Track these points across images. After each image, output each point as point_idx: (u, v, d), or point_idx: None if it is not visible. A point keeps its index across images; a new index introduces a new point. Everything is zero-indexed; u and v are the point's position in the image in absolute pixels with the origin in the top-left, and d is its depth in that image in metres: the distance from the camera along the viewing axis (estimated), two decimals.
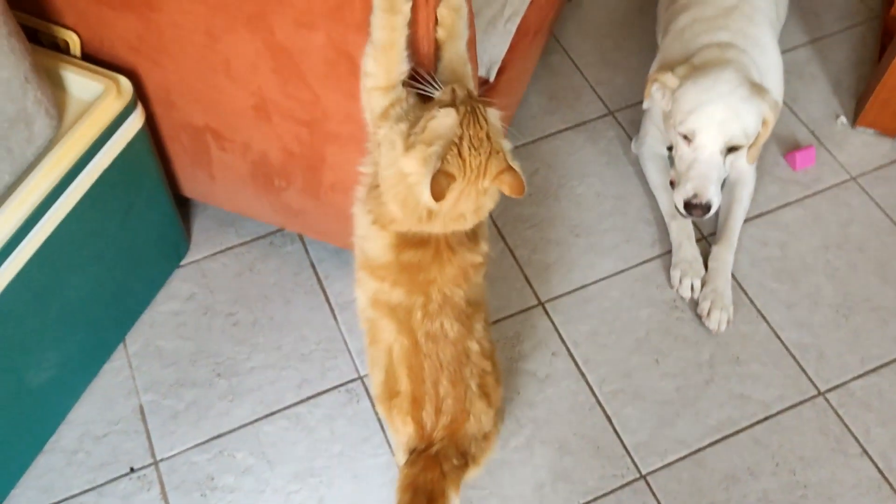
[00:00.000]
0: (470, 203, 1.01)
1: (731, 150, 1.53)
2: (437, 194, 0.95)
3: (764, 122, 1.52)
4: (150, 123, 1.53)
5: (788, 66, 2.03)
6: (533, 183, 1.87)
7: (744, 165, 1.75)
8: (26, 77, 1.22)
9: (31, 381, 1.42)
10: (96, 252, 1.47)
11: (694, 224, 1.80)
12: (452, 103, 0.98)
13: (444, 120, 0.97)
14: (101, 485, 1.48)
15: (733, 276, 1.72)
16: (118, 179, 1.43)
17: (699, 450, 1.52)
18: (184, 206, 1.79)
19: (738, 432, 1.54)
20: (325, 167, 1.44)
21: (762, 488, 1.48)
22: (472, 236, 1.12)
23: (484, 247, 1.15)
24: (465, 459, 1.19)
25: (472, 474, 1.23)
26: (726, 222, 1.74)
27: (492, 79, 1.49)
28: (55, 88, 1.38)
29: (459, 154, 0.97)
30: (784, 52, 2.05)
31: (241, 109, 1.40)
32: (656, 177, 1.78)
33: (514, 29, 1.49)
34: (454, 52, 1.09)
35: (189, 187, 1.70)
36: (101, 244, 1.47)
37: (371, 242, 1.13)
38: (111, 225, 1.48)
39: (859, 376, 1.60)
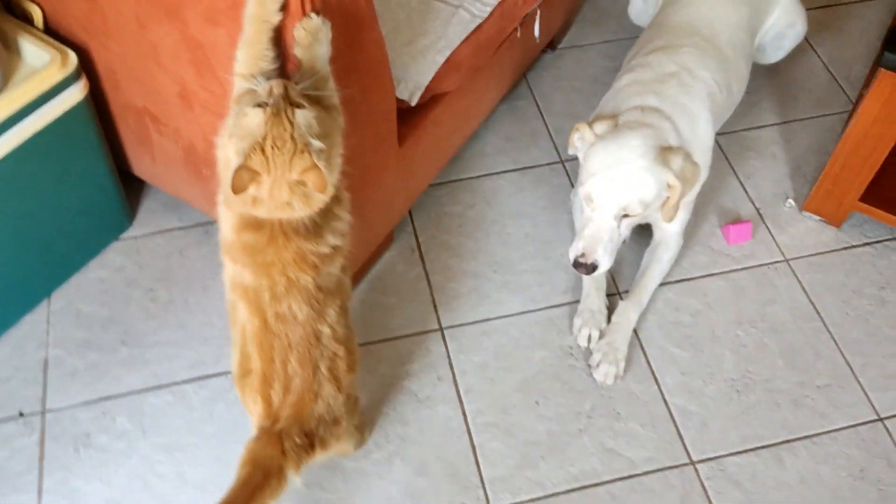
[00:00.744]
0: (284, 194, 1.08)
1: (628, 216, 1.54)
2: (236, 188, 1.04)
3: (670, 187, 1.53)
4: (100, 101, 1.67)
5: (751, 143, 2.05)
6: (467, 216, 1.92)
7: (671, 228, 1.77)
8: None
9: None
10: (24, 208, 1.59)
11: (612, 278, 1.81)
12: (266, 102, 1.06)
13: (251, 119, 1.05)
14: None
15: (636, 334, 1.72)
16: (53, 144, 1.56)
17: (554, 494, 1.52)
18: (136, 184, 1.91)
19: (597, 485, 1.53)
20: None
21: None
22: (315, 228, 1.18)
23: (332, 240, 1.21)
24: (311, 440, 1.23)
25: (320, 457, 1.27)
26: (640, 281, 1.75)
27: (413, 103, 1.56)
28: (10, 53, 1.53)
29: (263, 152, 1.04)
30: (751, 128, 2.08)
31: (170, 96, 1.51)
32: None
33: (441, 60, 1.56)
34: (311, 66, 1.17)
35: (137, 167, 1.82)
36: (29, 201, 1.59)
37: (222, 223, 1.21)
38: (42, 185, 1.60)
39: (736, 453, 1.57)
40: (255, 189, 1.07)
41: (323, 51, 1.16)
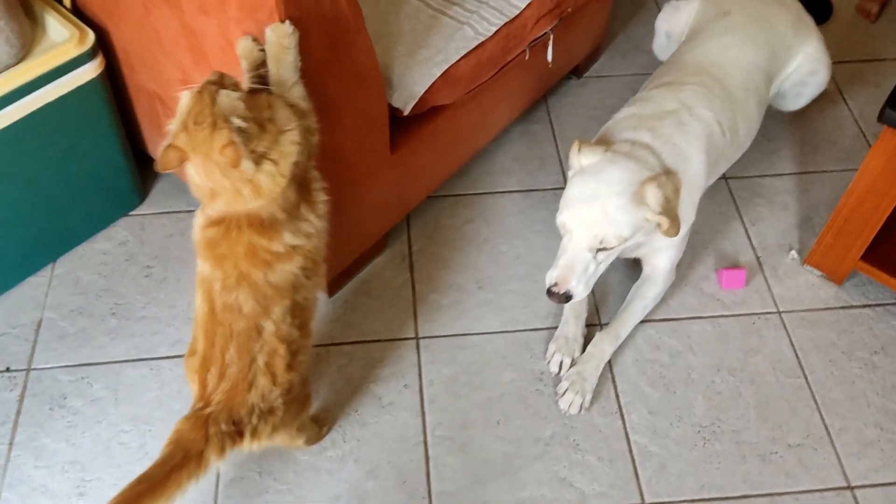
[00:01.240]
0: (218, 176, 1.12)
1: (603, 249, 1.52)
2: (162, 165, 1.09)
3: (654, 223, 1.52)
4: (118, 82, 1.75)
5: (764, 190, 2.01)
6: (463, 230, 1.93)
7: (659, 265, 1.75)
8: None
9: None
10: (36, 173, 1.68)
11: (595, 308, 1.80)
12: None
13: (182, 101, 1.10)
14: None
15: (610, 368, 1.70)
16: (65, 116, 1.64)
17: None
18: (152, 165, 1.99)
19: None
20: None
21: None
22: (273, 224, 1.21)
23: (290, 239, 1.24)
24: (239, 429, 1.26)
25: (254, 447, 1.30)
26: (621, 314, 1.73)
27: (405, 112, 1.59)
28: (35, 27, 1.62)
29: (186, 129, 1.08)
30: (766, 175, 2.04)
31: (173, 81, 1.58)
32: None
33: (437, 73, 1.58)
34: (277, 71, 1.21)
35: (152, 148, 1.90)
36: (41, 168, 1.68)
37: (194, 224, 1.26)
38: (54, 153, 1.68)
39: (691, 500, 1.54)
40: (195, 174, 1.12)
41: (291, 58, 1.21)
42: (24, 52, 1.57)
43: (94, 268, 1.85)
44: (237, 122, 1.08)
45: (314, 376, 1.68)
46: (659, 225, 1.53)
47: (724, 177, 2.04)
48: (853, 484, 1.56)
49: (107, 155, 1.80)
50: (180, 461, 1.21)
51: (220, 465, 1.28)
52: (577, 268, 1.51)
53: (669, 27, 2.06)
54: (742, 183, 2.04)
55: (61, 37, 1.61)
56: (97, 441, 1.59)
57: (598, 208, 1.47)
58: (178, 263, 1.86)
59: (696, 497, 1.54)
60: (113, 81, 1.73)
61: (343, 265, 1.77)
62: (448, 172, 1.92)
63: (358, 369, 1.70)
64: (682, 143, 1.63)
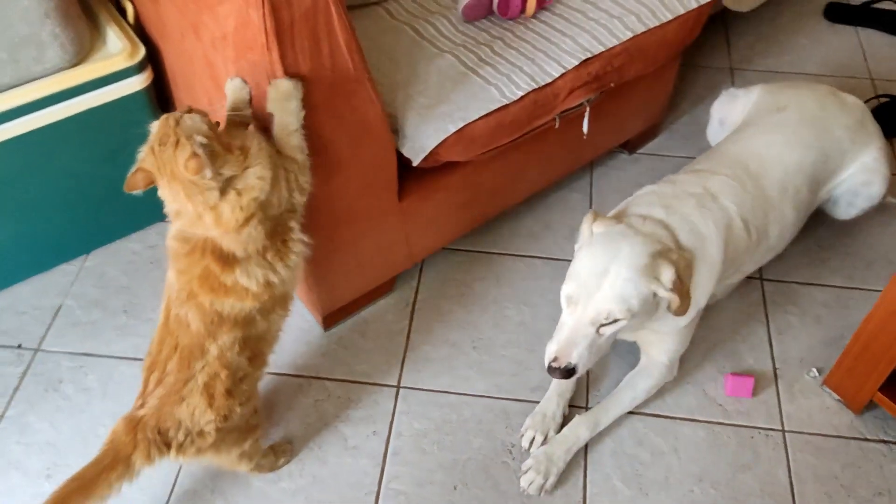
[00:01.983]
0: (182, 200, 1.17)
1: (608, 324, 1.48)
2: (128, 186, 1.15)
3: (666, 299, 1.47)
4: (164, 95, 1.86)
5: (799, 299, 1.92)
6: (472, 287, 1.92)
7: (657, 357, 1.67)
8: (46, 13, 1.58)
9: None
10: (79, 169, 1.81)
11: (586, 390, 1.74)
12: None
13: (152, 130, 1.15)
14: None
15: (585, 454, 1.63)
16: (110, 121, 1.76)
17: None
18: None
19: None
20: None
21: None
22: (226, 259, 1.25)
23: (242, 280, 1.26)
24: (166, 440, 1.29)
25: (181, 460, 1.33)
26: (606, 402, 1.66)
27: (415, 163, 1.60)
28: (97, 37, 1.76)
29: (152, 152, 1.13)
30: (806, 283, 1.93)
31: (203, 104, 1.66)
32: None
33: (452, 129, 1.59)
34: (282, 120, 1.27)
35: None
36: (84, 165, 1.80)
37: (169, 228, 1.32)
38: (96, 153, 1.80)
39: None
40: (163, 194, 1.17)
41: (293, 106, 1.25)
42: (80, 58, 1.69)
43: (120, 265, 1.96)
44: (199, 139, 1.13)
45: (290, 405, 1.70)
46: (669, 303, 1.47)
47: (760, 276, 1.94)
48: None
49: None
50: (110, 462, 1.25)
51: (178, 468, 1.31)
52: (579, 342, 1.45)
53: (723, 115, 1.99)
54: (778, 287, 1.92)
55: (116, 48, 1.73)
56: (77, 429, 1.67)
57: (608, 282, 1.42)
58: None
59: None
60: (160, 95, 1.84)
61: (342, 301, 1.79)
62: (464, 228, 1.91)
63: (332, 406, 1.71)
64: (699, 223, 1.56)
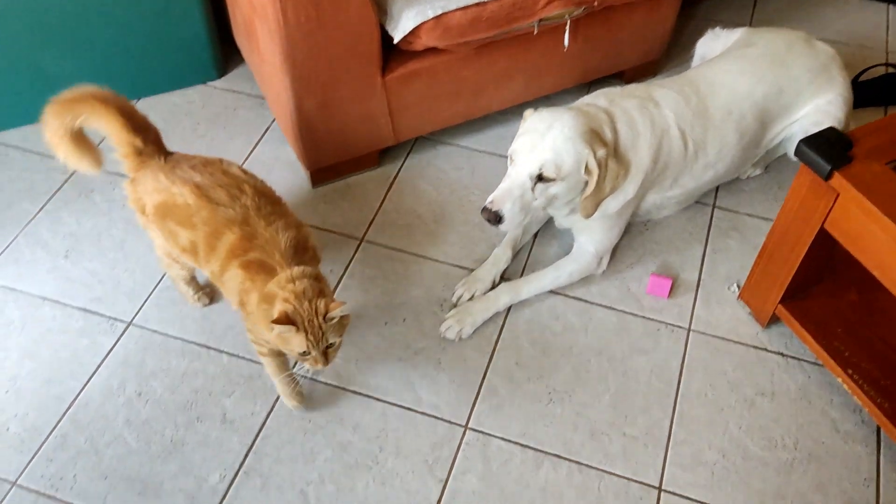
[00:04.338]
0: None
1: (543, 179, 1.67)
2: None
3: (587, 170, 1.66)
4: None
5: (744, 227, 2.05)
6: (448, 175, 2.15)
7: (585, 245, 1.87)
8: None
9: (48, 69, 2.15)
10: (129, 23, 2.15)
11: (523, 271, 1.94)
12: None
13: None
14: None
15: (505, 318, 1.85)
16: None
17: (344, 389, 1.73)
18: (235, 49, 2.41)
19: (378, 400, 1.71)
20: None
21: None
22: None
23: None
24: None
25: None
26: (530, 276, 1.87)
27: (396, 40, 1.84)
28: None
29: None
30: (755, 216, 2.07)
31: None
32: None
33: (431, 15, 1.80)
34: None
35: (238, 38, 2.30)
36: (133, 20, 2.14)
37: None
38: (144, 9, 2.13)
39: (506, 440, 1.65)
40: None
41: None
42: None
43: (160, 113, 2.29)
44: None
45: None
46: (588, 173, 1.67)
47: (713, 204, 2.08)
48: (664, 487, 1.60)
49: (193, 27, 2.23)
50: None
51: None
52: (514, 192, 1.67)
53: (705, 51, 2.13)
54: (727, 215, 2.06)
55: None
56: (95, 228, 2.02)
57: (549, 139, 1.64)
58: (217, 128, 2.26)
59: (512, 439, 1.66)
60: None
61: (328, 161, 2.06)
62: (448, 121, 2.14)
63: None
64: (637, 120, 1.75)
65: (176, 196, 1.52)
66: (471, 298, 1.86)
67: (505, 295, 1.84)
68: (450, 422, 1.69)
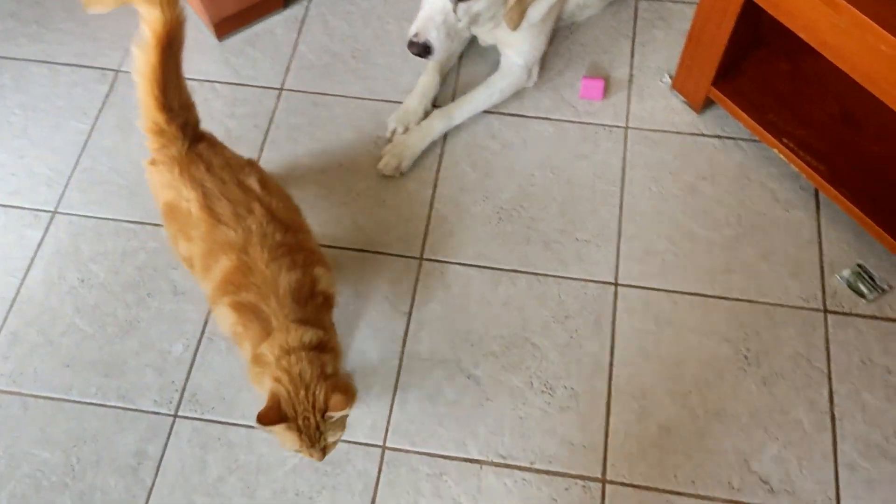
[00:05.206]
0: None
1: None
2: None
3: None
4: None
5: (670, 15, 2.01)
6: (360, 6, 2.03)
7: (512, 59, 1.80)
8: None
9: None
10: None
11: (453, 96, 1.88)
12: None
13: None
14: None
15: (442, 145, 1.81)
16: None
17: None
18: None
19: (330, 247, 1.69)
20: None
21: None
22: None
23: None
24: None
25: None
26: (461, 98, 1.82)
27: None
28: None
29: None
30: (680, 2, 2.00)
31: None
32: None
33: None
34: None
35: None
36: None
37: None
38: None
39: (462, 263, 1.66)
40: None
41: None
42: None
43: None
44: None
45: None
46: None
47: None
48: (620, 282, 1.64)
49: None
50: None
51: None
52: (436, 18, 1.58)
53: None
54: (652, 6, 2.01)
55: None
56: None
57: None
58: None
59: (468, 262, 1.67)
60: None
61: (231, 9, 1.92)
62: None
63: (220, 104, 1.88)
64: None
65: (182, 200, 1.31)
66: (405, 131, 1.81)
67: (439, 122, 1.79)
68: (404, 256, 1.68)
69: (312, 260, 1.32)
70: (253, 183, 1.34)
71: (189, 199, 1.30)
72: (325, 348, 1.24)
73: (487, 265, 1.67)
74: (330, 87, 1.91)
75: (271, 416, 1.16)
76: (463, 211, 1.73)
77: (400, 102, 1.87)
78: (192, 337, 1.60)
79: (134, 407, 1.55)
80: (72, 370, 1.57)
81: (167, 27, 1.23)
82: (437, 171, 1.79)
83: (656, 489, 1.45)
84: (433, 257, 1.68)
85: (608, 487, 1.45)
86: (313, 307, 1.28)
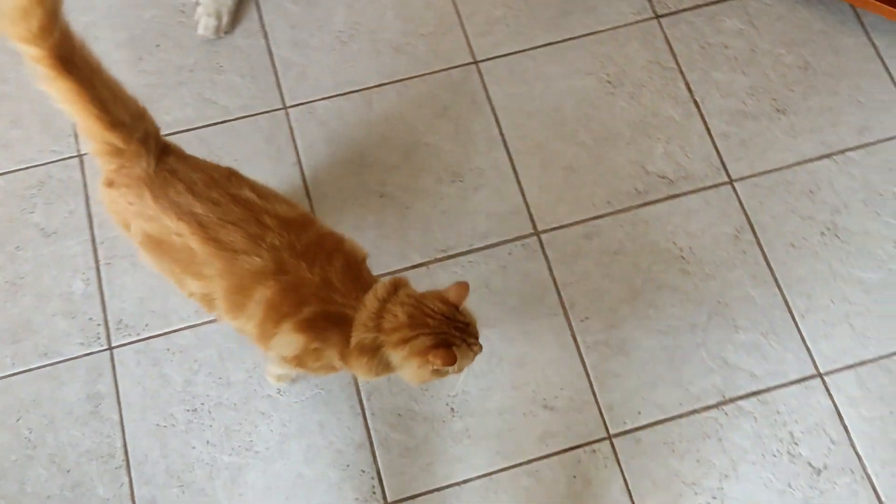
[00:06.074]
0: None
1: None
2: None
3: None
4: None
5: None
6: None
7: None
8: None
9: None
10: None
11: None
12: None
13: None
14: None
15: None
16: None
17: None
18: None
19: (188, 130, 1.59)
20: None
21: None
22: None
23: None
24: None
25: None
26: None
27: None
28: None
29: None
30: None
31: None
32: None
33: None
34: None
35: None
36: None
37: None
38: None
39: (328, 97, 1.64)
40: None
41: None
42: None
43: None
44: None
45: None
46: None
47: None
48: (478, 58, 1.69)
49: None
50: None
51: None
52: None
53: None
54: None
55: None
56: None
57: None
58: None
59: (333, 94, 1.64)
60: None
61: None
62: None
63: None
64: None
65: (172, 235, 1.10)
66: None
67: None
68: (267, 111, 1.62)
69: (335, 239, 1.18)
70: (248, 194, 1.14)
71: (182, 234, 1.09)
72: (399, 284, 1.15)
73: (352, 90, 1.65)
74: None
75: (448, 358, 1.07)
76: (304, 48, 1.68)
77: None
78: (88, 269, 1.49)
79: (62, 358, 1.43)
80: None
81: (50, 51, 1.00)
82: (260, 17, 1.71)
83: (583, 220, 1.57)
84: (296, 102, 1.63)
85: (543, 237, 1.56)
86: (365, 271, 1.19)
